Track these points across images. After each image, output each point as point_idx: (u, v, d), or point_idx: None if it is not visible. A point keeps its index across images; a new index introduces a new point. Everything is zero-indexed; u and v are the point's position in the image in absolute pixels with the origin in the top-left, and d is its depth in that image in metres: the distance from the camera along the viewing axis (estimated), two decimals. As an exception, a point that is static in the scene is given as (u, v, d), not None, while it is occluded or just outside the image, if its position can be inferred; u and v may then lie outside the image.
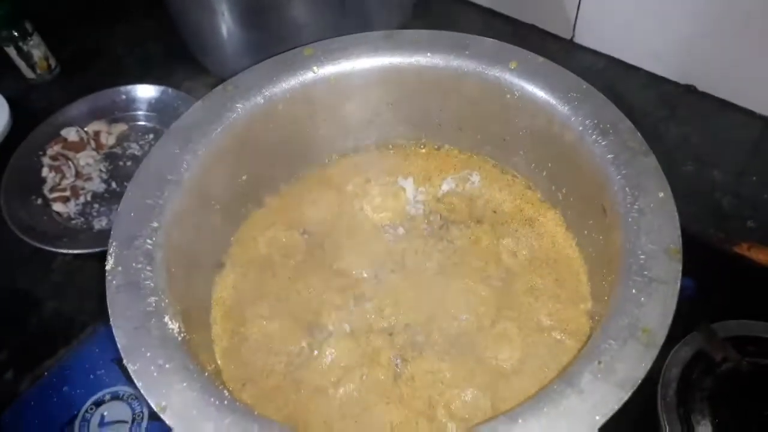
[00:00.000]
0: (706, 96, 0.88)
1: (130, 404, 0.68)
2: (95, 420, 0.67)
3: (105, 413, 0.67)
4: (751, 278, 0.67)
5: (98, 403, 0.68)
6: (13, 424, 0.67)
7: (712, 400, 0.60)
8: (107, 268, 0.49)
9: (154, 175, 0.54)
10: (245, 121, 0.58)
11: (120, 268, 0.49)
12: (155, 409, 0.43)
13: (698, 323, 0.62)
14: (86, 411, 0.67)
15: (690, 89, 0.89)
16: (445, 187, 0.67)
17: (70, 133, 0.90)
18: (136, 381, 0.44)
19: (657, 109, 0.89)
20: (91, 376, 0.69)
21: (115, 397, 0.68)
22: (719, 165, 0.83)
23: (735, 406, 0.59)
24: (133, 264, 0.49)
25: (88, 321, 0.75)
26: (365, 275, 0.61)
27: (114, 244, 0.50)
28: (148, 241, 0.51)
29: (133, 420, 0.67)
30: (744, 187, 0.81)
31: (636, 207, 0.48)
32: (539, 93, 0.56)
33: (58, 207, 0.86)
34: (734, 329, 0.63)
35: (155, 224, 0.51)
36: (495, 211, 0.64)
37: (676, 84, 0.90)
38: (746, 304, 0.65)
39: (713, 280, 0.67)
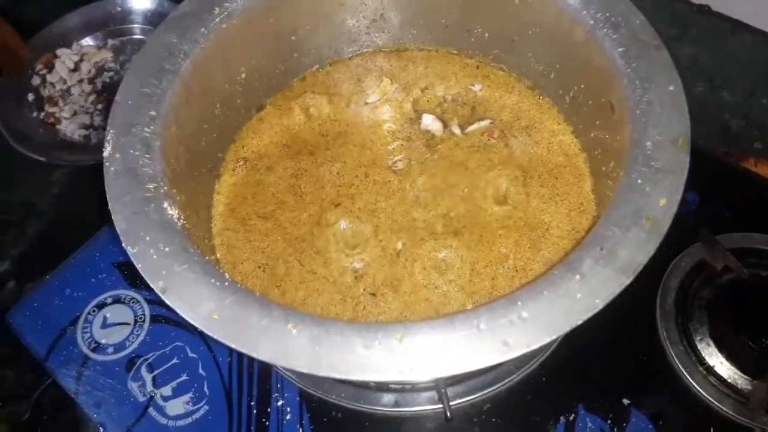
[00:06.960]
0: (719, 16, 0.86)
1: (131, 307, 0.68)
2: (98, 322, 0.67)
3: (107, 315, 0.68)
4: (756, 192, 0.67)
5: (100, 306, 0.68)
6: (17, 325, 0.68)
7: (710, 309, 0.60)
8: (105, 155, 0.48)
9: (151, 64, 0.52)
10: (244, 12, 0.56)
11: (118, 155, 0.48)
12: (156, 291, 0.43)
13: (701, 234, 0.62)
14: (89, 313, 0.68)
15: (703, 9, 0.87)
16: (449, 96, 0.65)
17: (66, 60, 0.88)
18: (135, 263, 0.44)
19: (669, 28, 0.86)
20: (93, 280, 0.69)
21: (117, 300, 0.69)
22: (729, 86, 0.82)
23: (732, 315, 0.60)
24: (131, 151, 0.48)
25: (90, 232, 0.75)
26: (366, 179, 0.60)
27: (111, 131, 0.49)
28: (146, 129, 0.49)
29: (135, 322, 0.67)
30: (753, 109, 0.80)
31: (645, 99, 0.46)
32: (550, -13, 0.54)
33: (54, 120, 0.85)
34: (736, 241, 0.63)
35: (153, 113, 0.50)
36: (499, 117, 0.62)
37: (689, 3, 0.87)
38: (749, 218, 0.65)
39: (718, 194, 0.67)
